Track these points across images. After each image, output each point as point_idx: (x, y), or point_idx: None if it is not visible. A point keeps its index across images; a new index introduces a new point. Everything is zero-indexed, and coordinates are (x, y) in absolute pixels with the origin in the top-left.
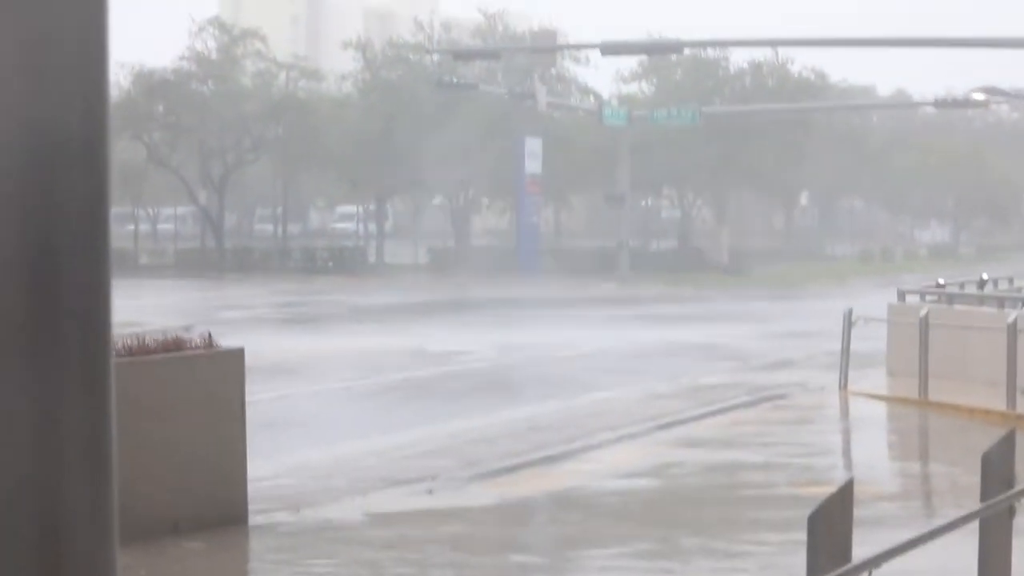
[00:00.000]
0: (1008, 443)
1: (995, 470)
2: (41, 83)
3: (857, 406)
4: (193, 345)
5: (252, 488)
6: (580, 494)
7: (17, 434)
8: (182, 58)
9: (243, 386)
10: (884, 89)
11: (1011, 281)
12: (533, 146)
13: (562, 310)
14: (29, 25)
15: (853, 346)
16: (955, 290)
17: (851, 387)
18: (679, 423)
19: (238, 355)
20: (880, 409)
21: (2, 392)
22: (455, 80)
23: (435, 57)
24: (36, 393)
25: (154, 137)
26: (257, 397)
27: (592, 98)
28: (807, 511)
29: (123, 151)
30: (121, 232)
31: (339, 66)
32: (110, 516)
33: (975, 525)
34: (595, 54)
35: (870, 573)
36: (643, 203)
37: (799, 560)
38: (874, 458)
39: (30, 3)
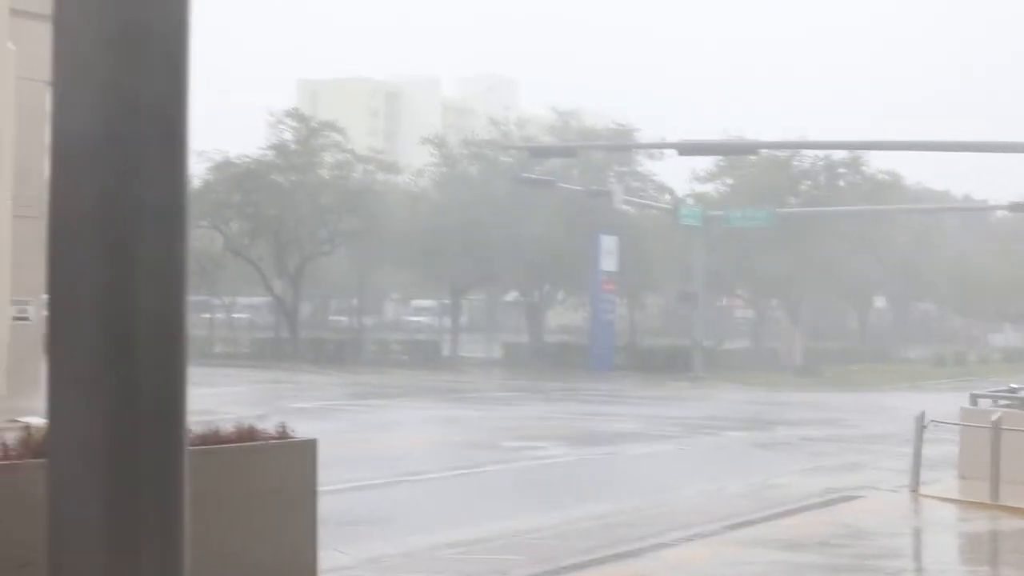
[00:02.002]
0: None
1: None
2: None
3: (927, 509)
4: (266, 435)
5: None
6: None
7: (91, 499)
8: (262, 149)
9: (315, 476)
10: (958, 192)
11: None
12: (609, 243)
13: (634, 408)
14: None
15: (925, 449)
16: None
17: (922, 490)
18: (750, 523)
19: (310, 446)
20: (951, 512)
21: (78, 456)
22: (532, 176)
23: (511, 153)
24: (112, 459)
25: (231, 227)
26: (325, 488)
27: (668, 196)
28: None
29: (200, 240)
30: (197, 320)
31: (416, 160)
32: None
33: None
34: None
35: None
36: (717, 302)
37: None
38: (943, 562)
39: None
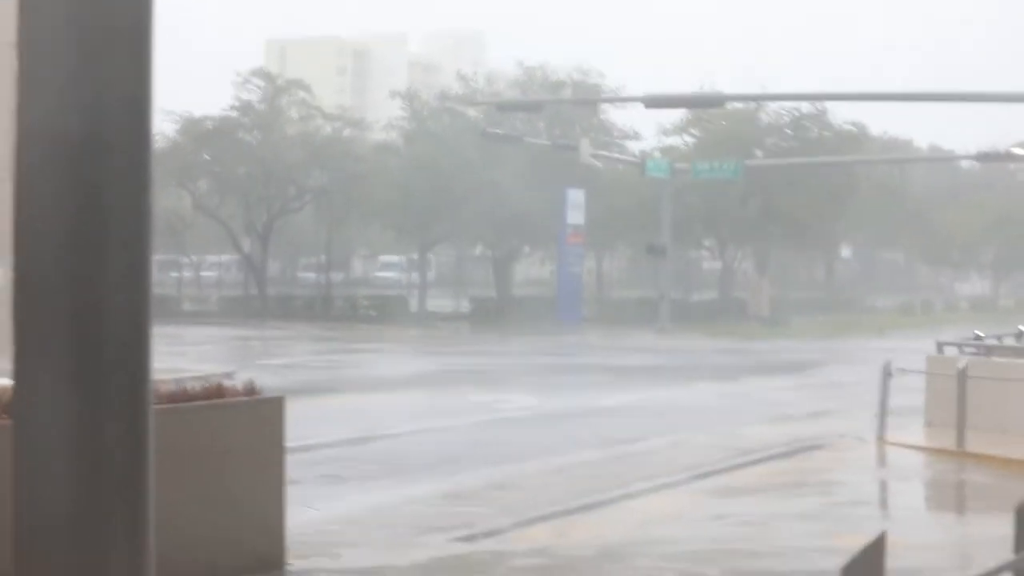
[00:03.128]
0: None
1: None
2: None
3: (894, 457)
4: (234, 392)
5: (292, 534)
6: (618, 544)
7: (58, 458)
8: (228, 108)
9: (283, 434)
10: (924, 143)
11: None
12: (575, 197)
13: (600, 359)
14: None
15: (892, 398)
16: (993, 342)
17: (889, 438)
18: (716, 473)
19: (278, 403)
20: (917, 460)
21: (45, 416)
22: (498, 132)
23: (479, 108)
24: (78, 418)
25: (199, 185)
26: (295, 444)
27: (635, 147)
28: (842, 562)
29: (168, 199)
30: (165, 279)
31: (384, 117)
32: (147, 539)
33: None
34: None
35: None
36: (685, 254)
37: None
38: (909, 509)
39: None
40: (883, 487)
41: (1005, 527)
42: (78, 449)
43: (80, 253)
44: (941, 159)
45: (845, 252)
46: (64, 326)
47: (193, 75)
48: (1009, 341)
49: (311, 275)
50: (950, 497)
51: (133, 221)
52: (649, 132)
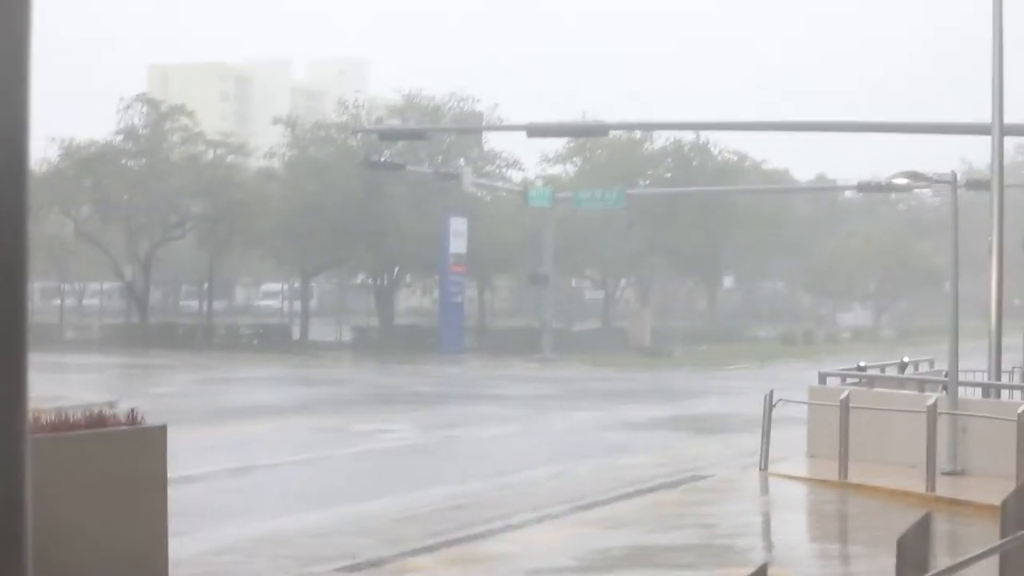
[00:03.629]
0: (924, 526)
1: (911, 553)
2: None
3: (777, 488)
4: (116, 421)
5: (175, 566)
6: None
7: None
8: (112, 133)
9: (165, 463)
10: (806, 173)
11: (931, 364)
12: (458, 225)
13: (484, 389)
14: None
15: (774, 428)
16: (876, 373)
17: (771, 468)
18: (600, 504)
19: (160, 432)
20: (800, 490)
21: None
22: (381, 159)
23: (361, 136)
24: None
25: (82, 211)
26: (180, 474)
27: (517, 175)
28: None
29: (51, 225)
30: (47, 306)
31: (266, 144)
32: (24, 571)
33: None
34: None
35: None
36: (567, 283)
37: None
38: (792, 540)
39: None
40: (765, 518)
41: (887, 558)
42: None
43: None
44: (823, 189)
45: (727, 282)
46: None
47: (75, 100)
48: (891, 372)
49: (193, 303)
50: (833, 528)
51: (8, 245)
52: (532, 160)
